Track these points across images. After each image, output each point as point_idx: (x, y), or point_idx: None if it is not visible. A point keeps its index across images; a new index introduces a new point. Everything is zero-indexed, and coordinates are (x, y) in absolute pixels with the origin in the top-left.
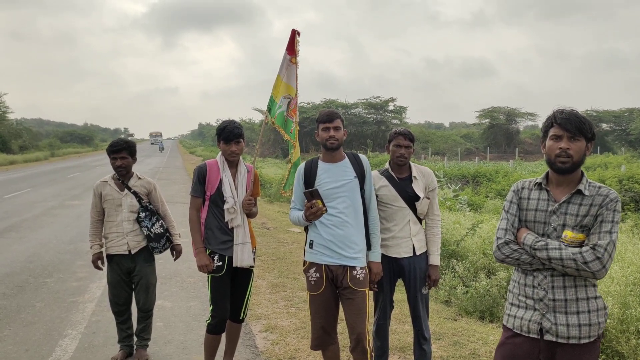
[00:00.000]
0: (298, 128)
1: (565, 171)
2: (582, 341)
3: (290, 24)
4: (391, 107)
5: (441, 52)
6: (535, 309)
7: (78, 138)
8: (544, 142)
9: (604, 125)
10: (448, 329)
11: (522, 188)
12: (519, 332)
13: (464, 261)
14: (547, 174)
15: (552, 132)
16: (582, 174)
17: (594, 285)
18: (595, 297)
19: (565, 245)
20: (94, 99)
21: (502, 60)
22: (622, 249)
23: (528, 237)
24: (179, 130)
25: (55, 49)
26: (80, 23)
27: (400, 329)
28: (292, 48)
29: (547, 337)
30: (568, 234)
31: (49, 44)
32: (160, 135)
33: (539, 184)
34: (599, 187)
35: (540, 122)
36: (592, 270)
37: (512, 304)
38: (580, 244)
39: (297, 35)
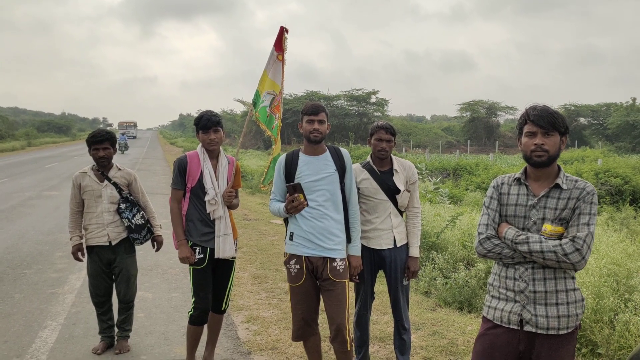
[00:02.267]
0: (281, 124)
1: (542, 164)
2: (561, 332)
3: (272, 14)
4: (373, 100)
5: (422, 45)
6: (515, 301)
7: (55, 128)
8: (520, 139)
9: (582, 120)
10: (427, 319)
11: (502, 184)
12: (499, 323)
13: (443, 253)
14: (526, 169)
15: (526, 129)
16: (559, 169)
17: (573, 278)
18: (574, 289)
19: (545, 238)
20: (72, 88)
21: (482, 54)
22: (597, 241)
23: (509, 231)
24: (159, 121)
25: (32, 37)
26: (57, 11)
27: (381, 320)
28: (279, 45)
29: (527, 328)
30: (547, 227)
31: (26, 32)
32: (134, 126)
33: (518, 179)
34: (576, 181)
35: (519, 116)
36: (572, 261)
37: (492, 296)
38: (560, 237)
39: (285, 33)
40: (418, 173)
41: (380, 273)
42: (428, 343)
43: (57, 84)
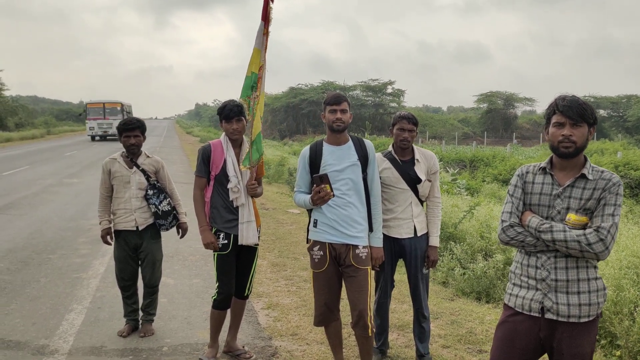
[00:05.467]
0: (260, 100)
1: (569, 155)
2: (582, 320)
3: (289, 5)
4: (389, 90)
5: (436, 36)
6: (537, 289)
7: (74, 116)
8: (547, 128)
9: (602, 112)
10: (445, 308)
11: (527, 172)
12: (520, 310)
13: (461, 243)
14: (551, 158)
15: (554, 119)
16: (586, 159)
17: (595, 267)
18: (596, 278)
19: (569, 228)
20: (90, 77)
21: (497, 45)
22: (618, 233)
23: (533, 219)
24: (176, 110)
25: (49, 26)
26: (74, 0)
27: (400, 308)
28: (265, 16)
29: (548, 315)
30: (572, 216)
31: (43, 21)
32: (122, 111)
33: (544, 169)
34: (602, 172)
35: (538, 108)
36: (595, 251)
37: (514, 284)
38: (584, 227)
39: (270, 2)
40: None
41: (400, 262)
42: (447, 332)
43: (75, 73)
